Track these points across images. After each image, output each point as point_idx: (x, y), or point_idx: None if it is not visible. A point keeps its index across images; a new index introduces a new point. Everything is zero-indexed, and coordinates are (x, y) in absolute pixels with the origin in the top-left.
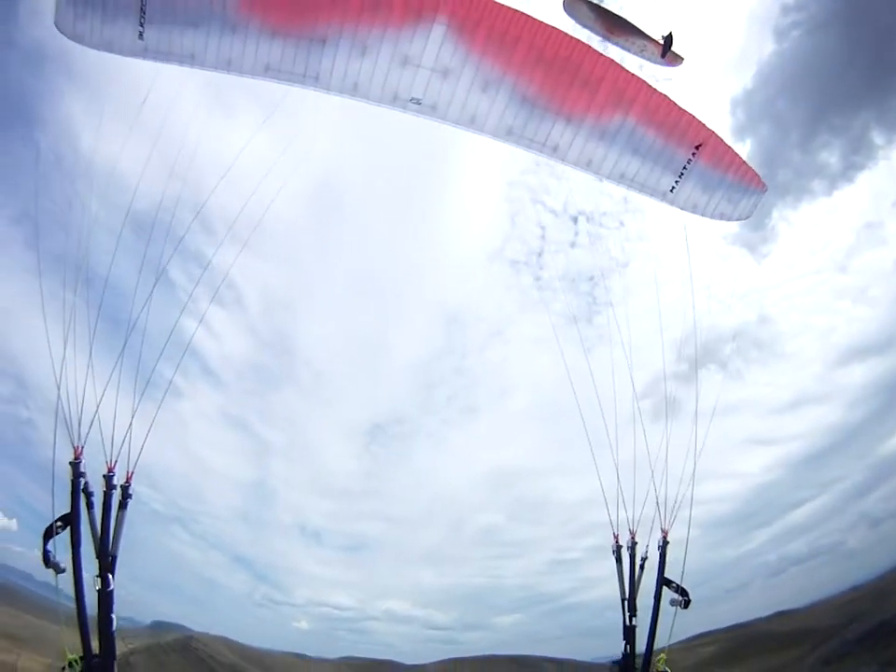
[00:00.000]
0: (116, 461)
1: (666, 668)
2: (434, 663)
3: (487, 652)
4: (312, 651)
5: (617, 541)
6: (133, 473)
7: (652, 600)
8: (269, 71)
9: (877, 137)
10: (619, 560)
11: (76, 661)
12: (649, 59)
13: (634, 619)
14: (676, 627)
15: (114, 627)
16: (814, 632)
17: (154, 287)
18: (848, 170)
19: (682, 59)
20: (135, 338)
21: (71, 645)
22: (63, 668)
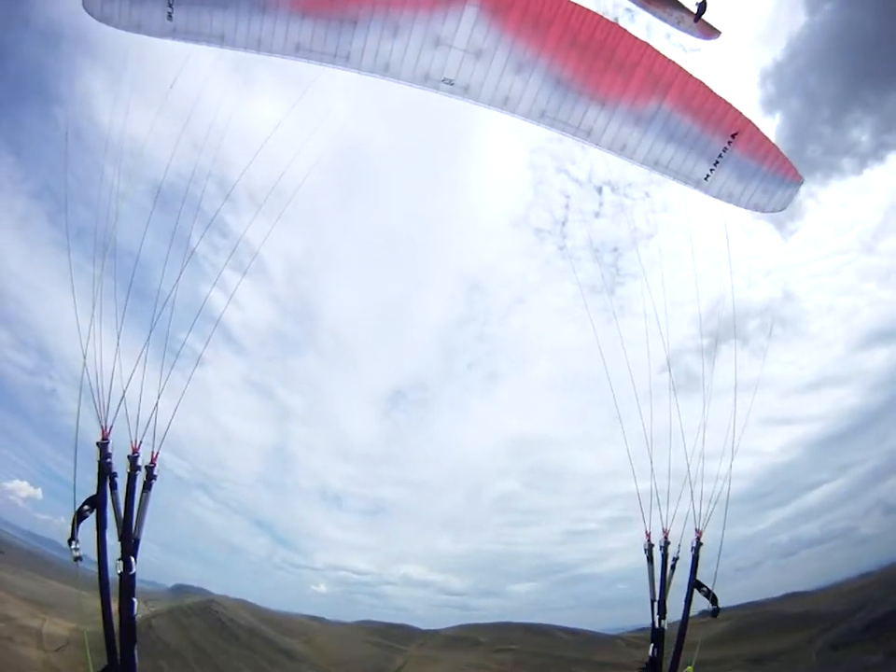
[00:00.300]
0: (141, 441)
1: None
2: (449, 628)
3: (501, 619)
4: (330, 615)
5: (649, 540)
6: (157, 454)
7: (682, 604)
8: (299, 51)
9: None
10: (650, 560)
11: None
12: (686, 31)
13: (664, 621)
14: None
15: (135, 612)
16: (823, 616)
17: (186, 261)
18: (879, 149)
19: (719, 32)
20: (160, 310)
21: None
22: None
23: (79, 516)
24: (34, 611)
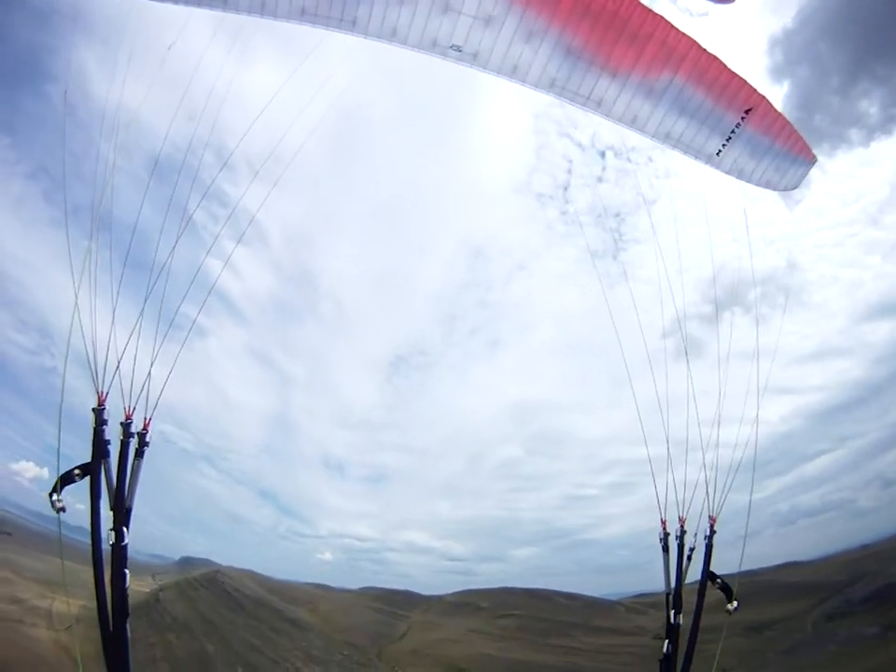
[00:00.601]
0: (134, 408)
1: None
2: (451, 594)
3: (503, 585)
4: (334, 582)
5: (665, 529)
6: (150, 420)
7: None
8: (305, 15)
9: None
10: (666, 549)
11: None
12: None
13: (679, 616)
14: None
15: (127, 584)
16: (820, 586)
17: (183, 229)
18: (888, 122)
19: None
20: (160, 280)
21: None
22: None
23: (66, 479)
24: (43, 591)
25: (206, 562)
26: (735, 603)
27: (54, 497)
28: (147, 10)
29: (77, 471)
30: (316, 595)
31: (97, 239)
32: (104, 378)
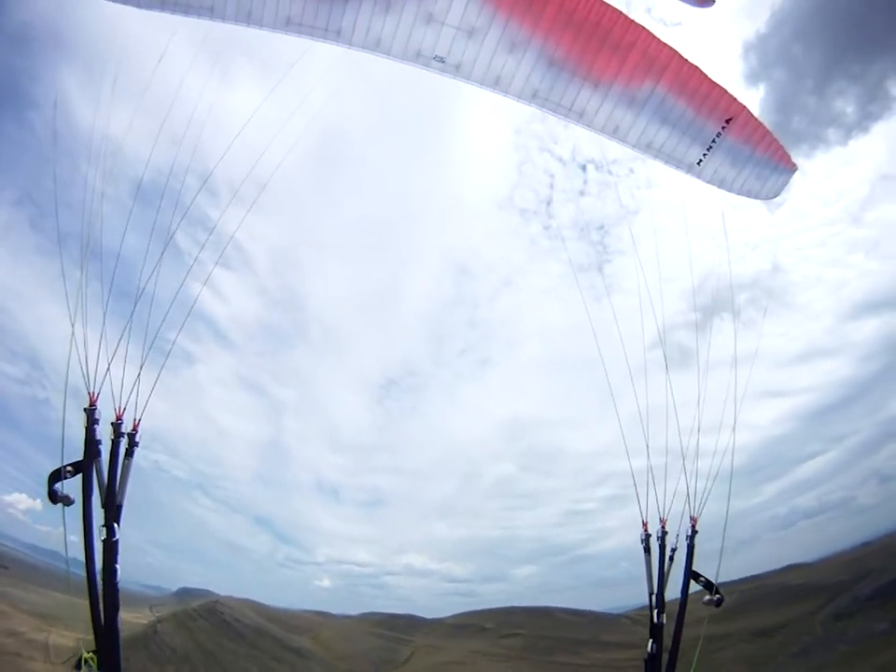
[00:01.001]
0: (124, 409)
1: None
2: (453, 616)
3: (506, 604)
4: (334, 609)
5: (646, 530)
6: (139, 421)
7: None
8: (290, 24)
9: (894, 88)
10: (647, 550)
11: (91, 659)
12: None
13: (662, 616)
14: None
15: (118, 578)
16: (825, 587)
17: (162, 253)
18: (864, 119)
19: (713, 1)
20: (146, 305)
21: (86, 641)
22: (78, 664)
23: (57, 476)
24: (39, 625)
25: (204, 592)
26: (717, 596)
27: (57, 487)
28: (127, 34)
29: (68, 468)
30: (317, 622)
31: (87, 265)
32: (94, 380)
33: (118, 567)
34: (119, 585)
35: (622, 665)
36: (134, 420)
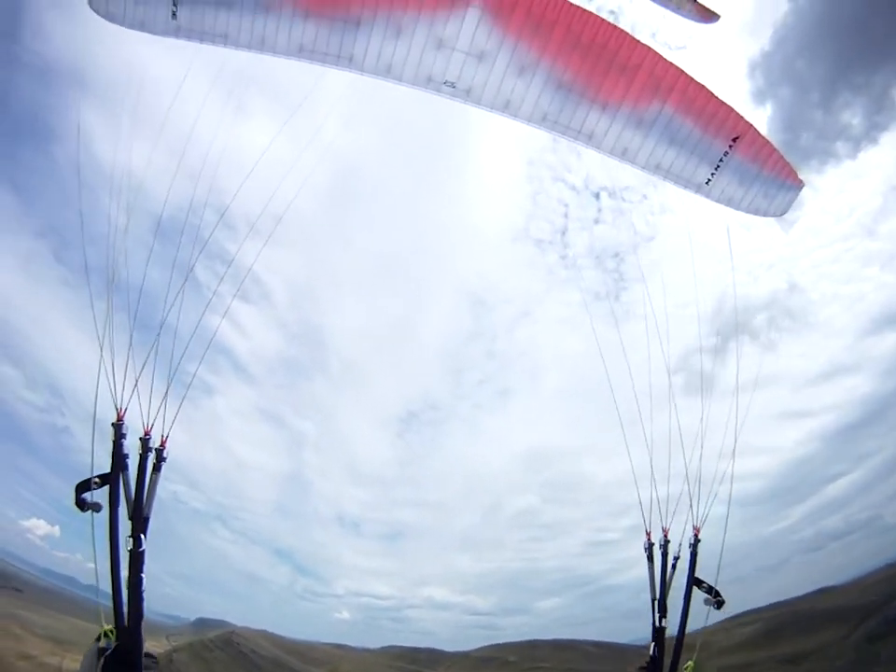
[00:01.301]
0: (152, 425)
1: None
2: (476, 649)
3: (528, 637)
4: (354, 641)
5: (649, 539)
6: (167, 437)
7: (682, 601)
8: (302, 51)
9: None
10: (650, 559)
11: (110, 631)
12: (685, 15)
13: (664, 620)
14: (713, 610)
15: (143, 587)
16: (856, 609)
17: (183, 286)
18: (872, 130)
19: (718, 15)
20: (169, 334)
21: (107, 614)
22: (98, 638)
23: (84, 486)
24: (53, 649)
25: (221, 623)
26: (718, 598)
27: (86, 496)
28: (145, 68)
29: (96, 479)
30: (335, 655)
31: (111, 295)
32: (122, 395)
33: (143, 576)
34: (144, 595)
35: None
36: (162, 436)
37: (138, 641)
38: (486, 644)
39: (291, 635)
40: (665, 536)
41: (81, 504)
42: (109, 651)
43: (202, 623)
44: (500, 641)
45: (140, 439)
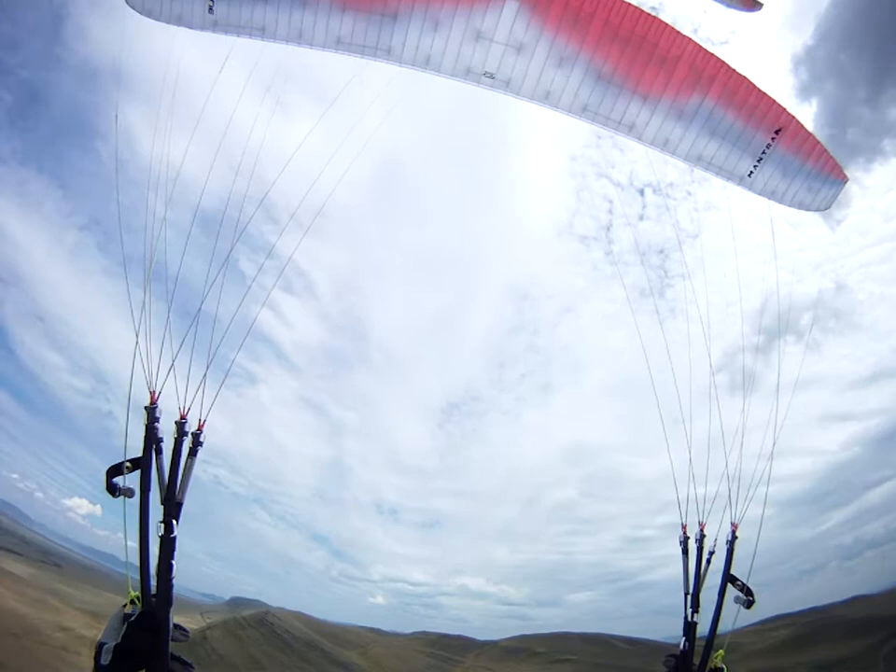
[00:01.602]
0: (188, 409)
1: (723, 665)
2: (506, 639)
3: (559, 629)
4: (386, 626)
5: (685, 533)
6: (205, 422)
7: (716, 596)
8: (340, 44)
9: None
10: (685, 552)
11: (137, 598)
12: (729, 5)
13: (696, 615)
14: (745, 611)
15: (173, 574)
16: (890, 620)
17: (221, 274)
18: None
19: (761, 4)
20: (207, 327)
21: (135, 583)
22: (125, 605)
23: (116, 471)
24: (90, 622)
25: (256, 602)
26: (749, 598)
27: (117, 481)
28: (183, 65)
29: (127, 464)
30: (368, 638)
31: (149, 286)
32: (156, 378)
33: (174, 563)
34: (174, 582)
35: None
36: (199, 420)
37: (166, 634)
38: (516, 634)
39: (325, 617)
40: (702, 530)
41: (112, 489)
42: (134, 617)
43: (236, 602)
44: (530, 632)
45: (175, 423)
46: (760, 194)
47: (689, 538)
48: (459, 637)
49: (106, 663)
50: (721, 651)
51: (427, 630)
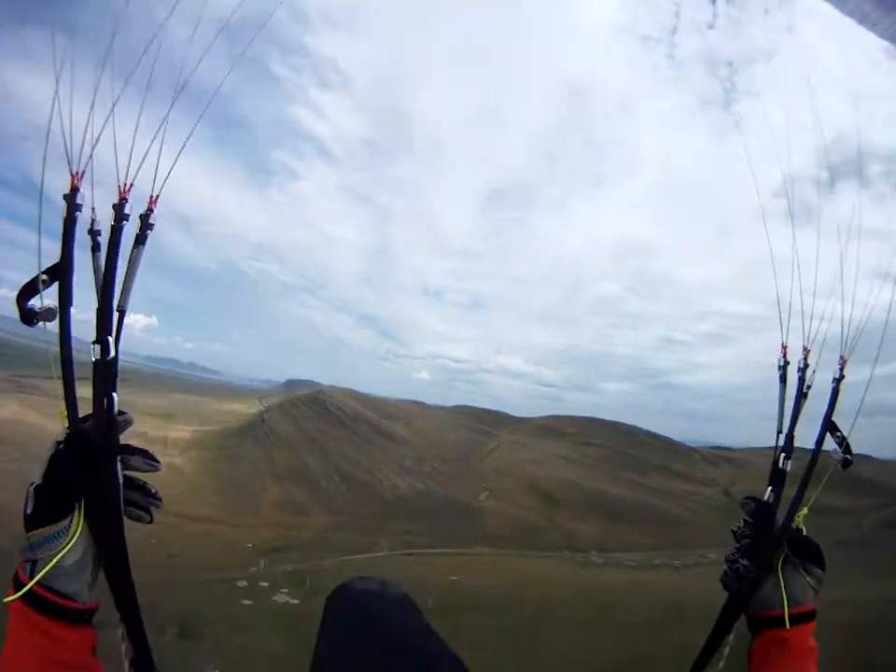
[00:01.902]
0: (131, 184)
1: (802, 527)
2: (539, 417)
3: (590, 414)
4: (429, 400)
5: (785, 356)
6: (157, 197)
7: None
8: None
9: None
10: (783, 380)
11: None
12: None
13: (788, 461)
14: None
15: (115, 409)
16: (886, 488)
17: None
18: None
19: None
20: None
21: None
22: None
23: (30, 290)
24: (159, 424)
25: (309, 383)
26: (846, 456)
27: (33, 304)
28: None
29: (43, 277)
30: (412, 411)
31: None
32: (80, 156)
33: (115, 395)
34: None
35: (685, 495)
36: (151, 196)
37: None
38: (550, 414)
39: (373, 392)
40: (806, 358)
41: (29, 316)
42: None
43: (291, 384)
44: (563, 413)
45: (113, 206)
46: (850, 16)
47: (789, 362)
48: (496, 413)
49: (30, 511)
50: (805, 509)
51: (467, 404)
